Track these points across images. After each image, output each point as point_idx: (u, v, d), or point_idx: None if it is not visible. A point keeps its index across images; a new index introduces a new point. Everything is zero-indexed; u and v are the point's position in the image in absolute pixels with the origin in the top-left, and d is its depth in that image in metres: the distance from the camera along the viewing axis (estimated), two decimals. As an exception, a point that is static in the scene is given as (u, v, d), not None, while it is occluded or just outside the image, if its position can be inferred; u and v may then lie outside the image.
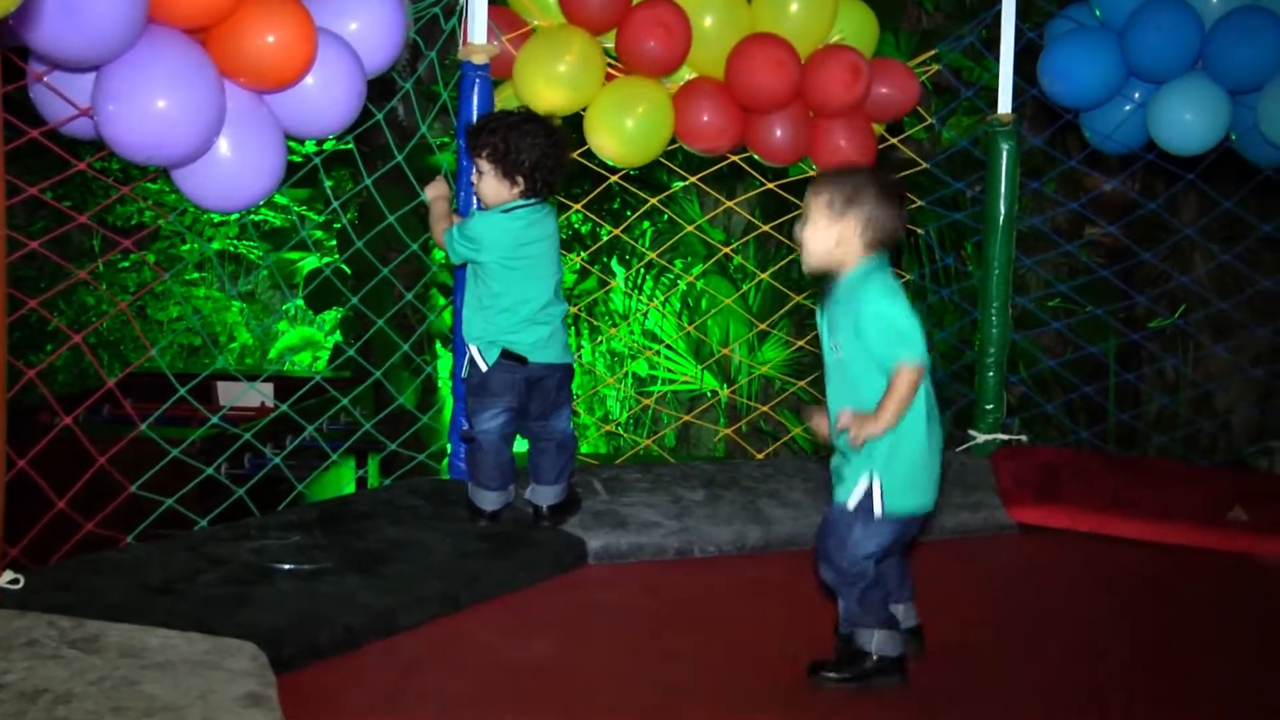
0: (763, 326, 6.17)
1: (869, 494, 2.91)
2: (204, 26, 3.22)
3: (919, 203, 5.41)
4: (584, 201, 5.16)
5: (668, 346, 7.47)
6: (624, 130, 4.29)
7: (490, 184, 3.71)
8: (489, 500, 3.84)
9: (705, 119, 4.41)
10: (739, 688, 2.97)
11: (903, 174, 4.86)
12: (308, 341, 9.47)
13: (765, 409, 6.07)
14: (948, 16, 7.01)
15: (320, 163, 4.20)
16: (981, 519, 4.25)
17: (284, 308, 9.52)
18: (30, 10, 2.83)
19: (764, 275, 5.89)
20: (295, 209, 8.78)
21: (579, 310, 6.92)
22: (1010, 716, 2.89)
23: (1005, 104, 4.92)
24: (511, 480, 3.87)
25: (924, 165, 5.18)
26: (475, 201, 4.02)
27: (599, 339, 7.94)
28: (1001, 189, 4.94)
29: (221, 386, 6.27)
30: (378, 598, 3.22)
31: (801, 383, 5.74)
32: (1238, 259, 5.96)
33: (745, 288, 6.94)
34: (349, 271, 6.87)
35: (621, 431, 7.37)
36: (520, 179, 3.68)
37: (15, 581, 3.04)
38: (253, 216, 8.67)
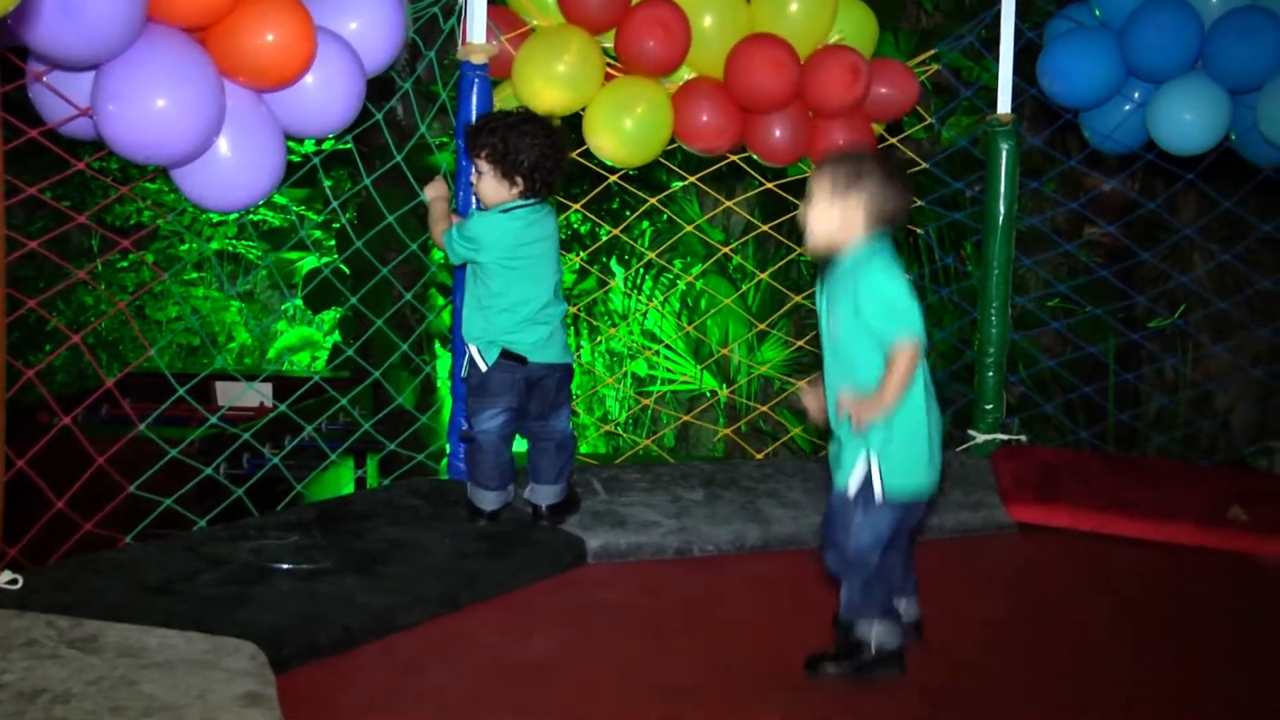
0: (762, 326, 6.17)
1: (868, 477, 2.91)
2: (203, 25, 3.22)
3: (919, 203, 5.41)
4: (583, 201, 5.15)
5: (667, 346, 7.47)
6: (623, 130, 4.29)
7: (489, 184, 3.70)
8: (488, 500, 3.83)
9: (704, 119, 4.41)
10: (739, 685, 2.96)
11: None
12: (306, 341, 9.46)
13: (764, 409, 6.07)
14: (947, 16, 7.01)
15: (319, 162, 4.20)
16: (981, 518, 4.25)
17: (283, 308, 9.52)
18: (29, 9, 2.82)
19: (763, 275, 5.89)
20: (294, 209, 8.78)
21: (578, 310, 6.92)
22: (1010, 715, 2.89)
23: (1005, 104, 4.92)
24: (511, 480, 3.87)
25: (923, 165, 5.18)
26: (474, 202, 4.02)
27: (598, 339, 7.94)
28: (1001, 189, 4.94)
29: (220, 386, 6.27)
30: (376, 597, 3.22)
31: (801, 383, 5.74)
32: (1237, 259, 5.96)
33: (744, 288, 6.94)
34: (348, 271, 6.87)
35: (621, 431, 7.37)
36: (519, 179, 3.68)
37: (14, 581, 3.04)
38: (251, 216, 8.67)
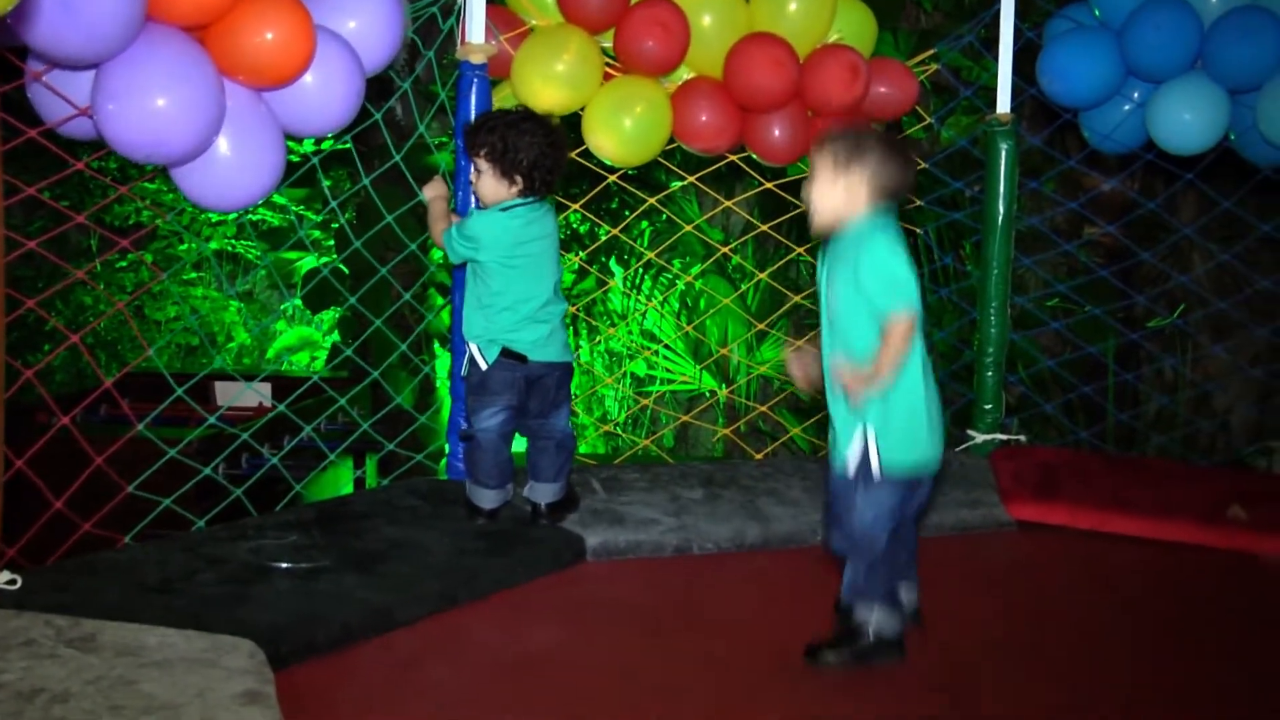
0: (761, 326, 6.16)
1: (865, 454, 2.90)
2: (202, 24, 3.22)
3: (918, 202, 5.41)
4: (582, 201, 5.15)
5: (666, 346, 7.47)
6: (622, 130, 4.29)
7: (489, 183, 3.70)
8: (487, 498, 3.84)
9: (704, 118, 4.40)
10: (738, 682, 2.96)
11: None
12: (305, 341, 9.45)
13: (764, 409, 6.07)
14: (946, 16, 7.01)
15: (318, 162, 4.20)
16: (980, 516, 4.25)
17: (282, 307, 9.51)
18: (29, 8, 2.82)
19: (763, 275, 5.89)
20: (293, 209, 8.77)
21: (577, 310, 6.91)
22: (1009, 712, 2.89)
23: (1004, 103, 4.92)
24: (510, 479, 3.87)
25: (923, 165, 5.17)
26: (474, 201, 4.02)
27: (597, 339, 7.93)
28: (1000, 189, 4.94)
29: (219, 386, 6.26)
30: (375, 595, 3.22)
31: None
32: (1237, 259, 5.96)
33: (744, 287, 6.94)
34: (347, 271, 6.87)
35: (620, 432, 7.36)
36: (518, 178, 3.68)
37: (13, 582, 3.04)
38: (251, 216, 8.67)
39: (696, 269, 7.23)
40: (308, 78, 3.40)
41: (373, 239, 4.59)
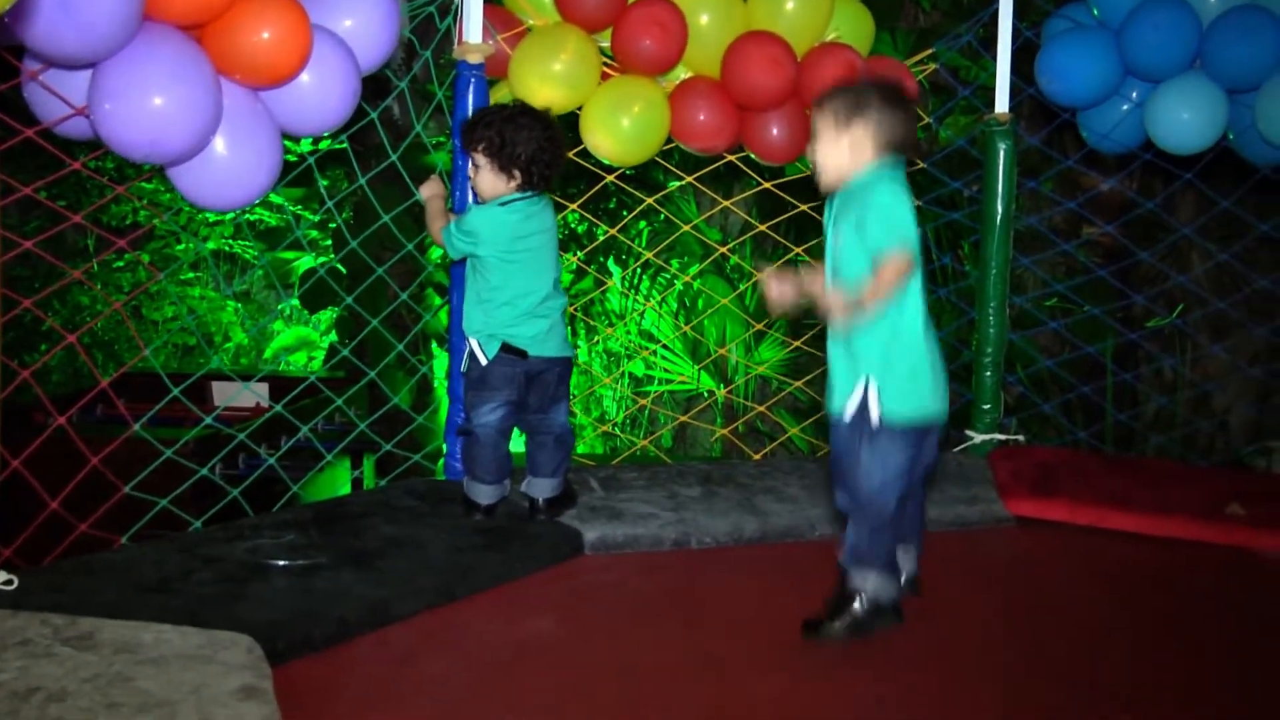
0: (759, 326, 6.16)
1: (865, 402, 2.89)
2: (199, 23, 3.21)
3: (916, 202, 5.40)
4: (580, 201, 5.15)
5: (664, 346, 7.46)
6: (620, 129, 4.29)
7: (487, 178, 3.70)
8: (485, 494, 3.83)
9: (701, 118, 4.40)
10: (738, 676, 2.95)
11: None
12: (303, 341, 9.45)
13: (762, 409, 6.06)
14: (945, 15, 7.01)
15: (315, 162, 4.19)
16: (978, 512, 4.25)
17: (279, 308, 9.50)
18: (27, 8, 2.81)
19: (761, 275, 5.87)
20: (290, 209, 8.77)
21: (575, 310, 6.91)
22: (1008, 708, 2.88)
23: (1002, 103, 4.92)
24: (508, 475, 3.88)
25: (921, 164, 5.17)
26: (471, 198, 4.01)
27: (595, 339, 7.93)
28: (999, 188, 4.93)
29: (216, 386, 6.24)
30: (372, 590, 3.21)
31: (798, 383, 5.73)
32: (1235, 258, 5.95)
33: (742, 288, 6.93)
34: (344, 271, 6.86)
35: (618, 432, 7.36)
36: (517, 172, 3.68)
37: (9, 582, 3.03)
38: (248, 216, 8.66)
39: (695, 269, 7.23)
40: (304, 77, 3.40)
41: (370, 239, 4.58)
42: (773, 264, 3.15)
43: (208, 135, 3.25)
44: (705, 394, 7.30)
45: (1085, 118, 5.09)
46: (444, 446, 4.37)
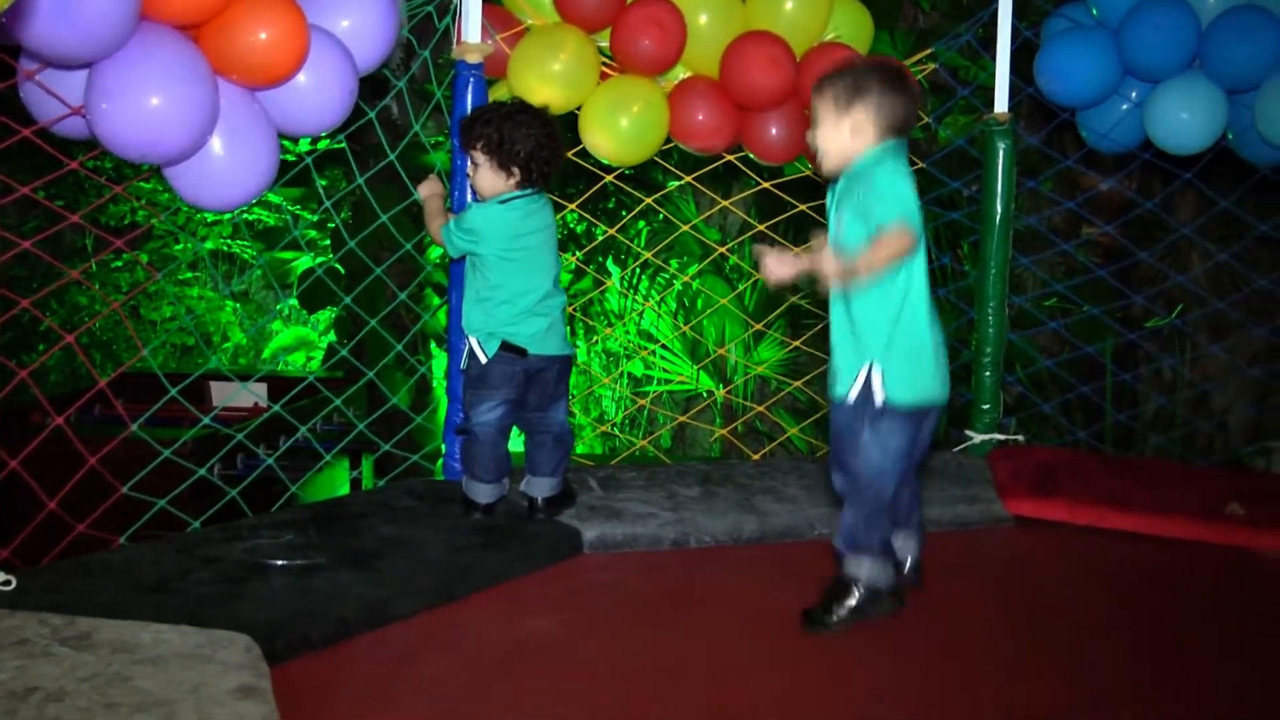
0: (758, 326, 6.16)
1: (868, 384, 2.89)
2: (196, 23, 3.21)
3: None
4: (579, 201, 5.14)
5: (663, 346, 7.46)
6: (619, 129, 4.28)
7: (486, 176, 3.70)
8: (483, 493, 3.83)
9: (700, 118, 4.40)
10: (737, 675, 2.95)
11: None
12: (301, 341, 9.44)
13: (761, 409, 6.06)
14: (944, 15, 7.01)
15: (313, 162, 4.19)
16: (978, 511, 4.24)
17: (278, 308, 9.49)
18: (24, 8, 2.81)
19: (760, 275, 5.87)
20: (289, 208, 8.76)
21: (574, 310, 6.90)
22: (1008, 710, 2.88)
23: (1002, 103, 4.91)
24: (507, 474, 3.87)
25: (921, 164, 5.16)
26: (470, 196, 4.00)
27: (594, 339, 7.93)
28: (998, 188, 4.93)
29: (215, 387, 6.24)
30: (371, 590, 3.21)
31: (797, 383, 5.73)
32: (1235, 258, 5.95)
33: (741, 287, 6.93)
34: (342, 271, 6.85)
35: (617, 432, 7.36)
36: (516, 169, 3.68)
37: (7, 583, 3.03)
38: (246, 216, 8.65)
39: (693, 269, 7.23)
40: (301, 77, 3.40)
41: (368, 239, 4.58)
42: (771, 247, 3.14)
43: (205, 135, 3.25)
44: (704, 394, 7.30)
45: (1084, 117, 5.09)
46: (443, 446, 4.36)
